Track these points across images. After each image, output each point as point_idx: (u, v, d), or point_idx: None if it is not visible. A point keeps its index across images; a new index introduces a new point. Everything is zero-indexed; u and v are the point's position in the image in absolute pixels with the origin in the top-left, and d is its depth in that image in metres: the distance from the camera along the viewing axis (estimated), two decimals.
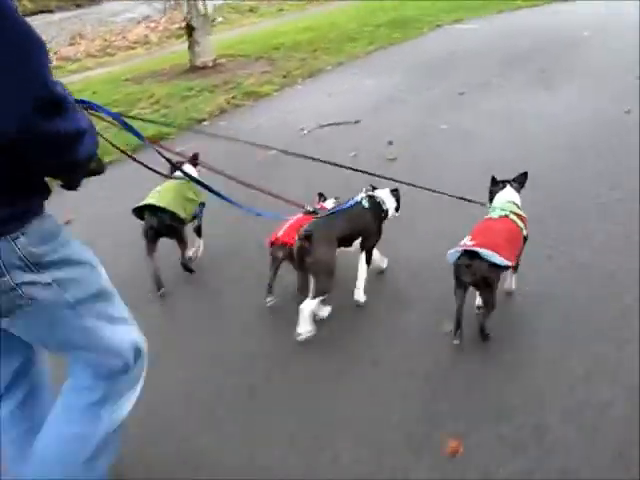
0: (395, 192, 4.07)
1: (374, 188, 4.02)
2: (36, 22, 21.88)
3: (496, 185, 3.78)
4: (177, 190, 4.16)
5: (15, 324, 1.91)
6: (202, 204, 4.44)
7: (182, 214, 4.10)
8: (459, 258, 3.25)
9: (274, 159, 6.58)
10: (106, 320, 2.11)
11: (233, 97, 9.81)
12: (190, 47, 11.54)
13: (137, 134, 2.69)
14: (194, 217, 4.41)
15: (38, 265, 1.80)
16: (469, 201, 3.77)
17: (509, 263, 3.28)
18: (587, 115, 7.69)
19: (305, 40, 14.15)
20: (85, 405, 2.21)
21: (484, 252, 3.16)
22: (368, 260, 3.90)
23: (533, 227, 3.80)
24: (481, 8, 17.02)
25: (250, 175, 3.93)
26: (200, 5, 11.21)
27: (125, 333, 2.23)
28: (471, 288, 3.39)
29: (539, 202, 4.97)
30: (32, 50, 1.51)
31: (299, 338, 3.53)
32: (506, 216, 3.50)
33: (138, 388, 2.39)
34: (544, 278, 4.12)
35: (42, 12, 25.95)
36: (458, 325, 3.36)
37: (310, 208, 3.87)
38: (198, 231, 4.62)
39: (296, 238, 3.52)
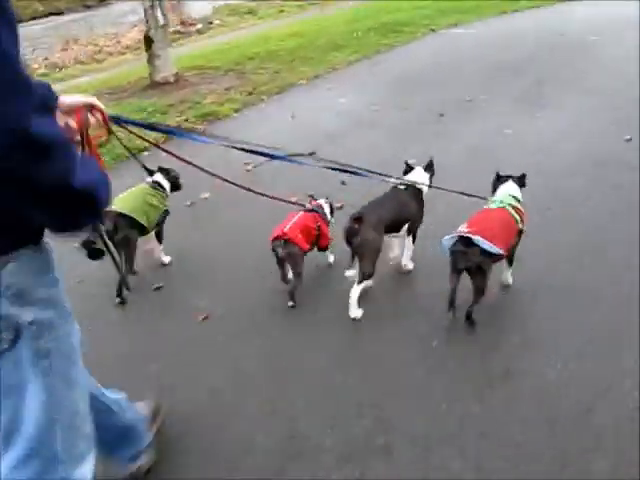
0: (430, 167, 4.29)
1: (408, 169, 4.26)
2: (47, 24, 21.17)
3: (499, 180, 3.96)
4: (141, 196, 4.27)
5: None
6: (166, 212, 4.57)
7: (143, 221, 4.19)
8: (455, 245, 3.42)
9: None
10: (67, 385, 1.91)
11: (186, 119, 8.75)
12: (149, 61, 10.43)
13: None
14: (157, 225, 4.52)
15: (22, 298, 1.70)
16: (470, 195, 3.93)
17: (501, 251, 3.40)
18: (580, 146, 6.50)
19: (287, 48, 13.09)
20: None
21: (478, 239, 3.33)
22: (414, 240, 4.22)
23: None
24: (482, 9, 15.80)
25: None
26: (159, 15, 10.04)
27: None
28: None
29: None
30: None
31: (352, 317, 3.81)
32: (503, 207, 3.66)
33: None
34: None
35: (52, 14, 25.33)
36: (451, 304, 3.57)
37: (310, 206, 4.17)
38: (158, 236, 4.68)
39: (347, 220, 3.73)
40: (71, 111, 1.97)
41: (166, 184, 4.61)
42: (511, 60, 10.54)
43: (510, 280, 3.96)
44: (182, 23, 21.27)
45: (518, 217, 3.67)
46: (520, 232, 3.73)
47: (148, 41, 10.25)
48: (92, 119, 2.08)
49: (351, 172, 3.54)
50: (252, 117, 8.76)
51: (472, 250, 3.34)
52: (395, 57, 11.88)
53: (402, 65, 10.98)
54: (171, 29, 20.95)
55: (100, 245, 2.07)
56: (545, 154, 6.37)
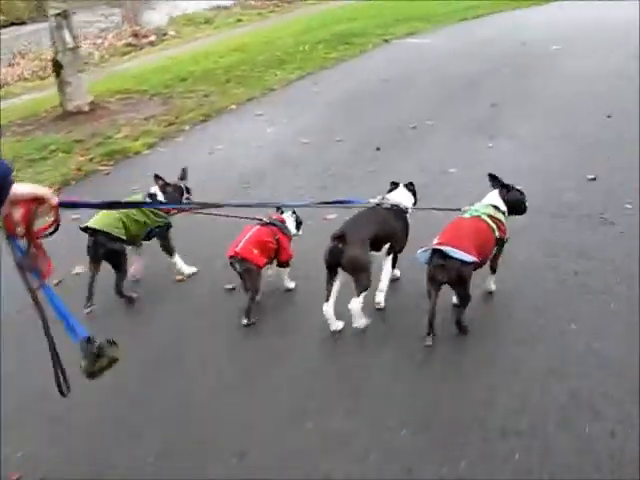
0: (410, 185, 4.16)
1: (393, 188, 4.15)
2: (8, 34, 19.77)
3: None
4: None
5: None
6: (164, 225, 4.44)
7: (118, 233, 4.12)
8: (432, 259, 3.43)
9: None
10: None
11: (91, 159, 7.58)
12: (60, 88, 9.22)
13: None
14: (147, 237, 4.42)
15: None
16: (443, 210, 4.00)
17: (473, 259, 3.38)
18: (535, 190, 5.37)
19: (225, 65, 12.00)
20: None
21: (449, 250, 3.35)
22: (394, 264, 4.05)
23: None
24: (441, 16, 14.77)
25: None
26: (67, 36, 8.84)
27: None
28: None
29: None
30: None
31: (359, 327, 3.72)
32: (477, 216, 3.66)
33: None
34: None
35: (14, 24, 23.88)
36: (430, 326, 3.52)
37: (266, 219, 4.07)
38: (166, 249, 4.55)
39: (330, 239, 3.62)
40: (20, 201, 1.83)
41: (160, 196, 4.38)
42: (465, 75, 9.50)
43: (493, 287, 3.98)
44: (135, 35, 20.10)
45: (494, 225, 3.65)
46: (500, 241, 3.71)
47: (57, 66, 9.04)
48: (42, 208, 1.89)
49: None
50: (165, 154, 7.62)
51: (450, 262, 3.37)
52: (340, 73, 10.82)
53: (346, 83, 9.91)
54: (122, 42, 19.88)
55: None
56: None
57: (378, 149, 6.88)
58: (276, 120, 8.40)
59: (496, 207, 3.78)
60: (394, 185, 4.17)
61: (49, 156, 7.89)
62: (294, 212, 4.31)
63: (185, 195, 4.48)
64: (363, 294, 3.66)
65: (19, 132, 9.23)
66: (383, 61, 11.32)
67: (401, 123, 7.64)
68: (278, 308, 4.19)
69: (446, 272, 3.40)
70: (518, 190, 3.93)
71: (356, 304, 3.67)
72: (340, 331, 3.79)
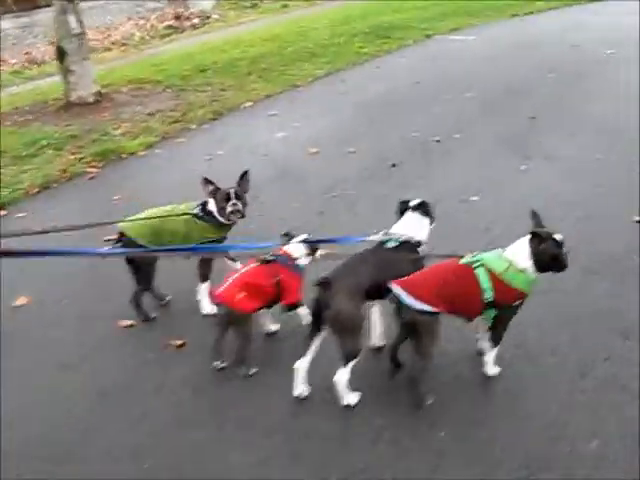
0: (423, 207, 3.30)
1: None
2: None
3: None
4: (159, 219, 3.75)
5: None
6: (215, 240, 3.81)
7: (143, 242, 3.68)
8: (392, 297, 2.94)
9: None
10: None
11: (81, 159, 6.91)
12: (64, 77, 8.54)
13: None
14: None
15: None
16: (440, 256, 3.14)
17: (427, 307, 2.83)
18: (569, 233, 4.41)
19: (251, 56, 11.27)
20: None
21: (398, 291, 2.89)
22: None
23: None
24: (494, 10, 13.73)
25: None
26: (72, 21, 8.14)
27: None
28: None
29: None
30: None
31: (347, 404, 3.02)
32: (469, 265, 2.94)
33: None
34: None
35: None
36: (391, 360, 3.16)
37: (268, 257, 3.36)
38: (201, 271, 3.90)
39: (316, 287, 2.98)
40: None
41: (212, 204, 3.80)
42: (506, 80, 8.54)
43: (490, 370, 3.16)
44: (177, 17, 19.47)
45: (488, 285, 2.89)
46: (496, 304, 2.92)
47: (60, 53, 8.35)
48: None
49: None
50: (161, 157, 6.91)
51: (405, 306, 2.86)
52: (371, 71, 9.94)
53: (374, 83, 9.01)
54: (164, 23, 19.28)
55: None
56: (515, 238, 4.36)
57: (394, 165, 6.02)
58: (289, 122, 7.59)
59: (513, 263, 2.93)
60: (403, 205, 3.35)
61: (37, 153, 7.27)
62: (305, 239, 3.54)
63: (231, 201, 3.75)
64: (351, 363, 2.94)
65: (18, 122, 8.67)
66: (419, 60, 10.38)
67: (425, 135, 6.74)
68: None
69: (400, 315, 2.92)
70: (555, 240, 2.94)
71: (342, 376, 2.96)
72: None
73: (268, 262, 3.37)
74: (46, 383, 3.45)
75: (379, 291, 3.06)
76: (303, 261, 3.49)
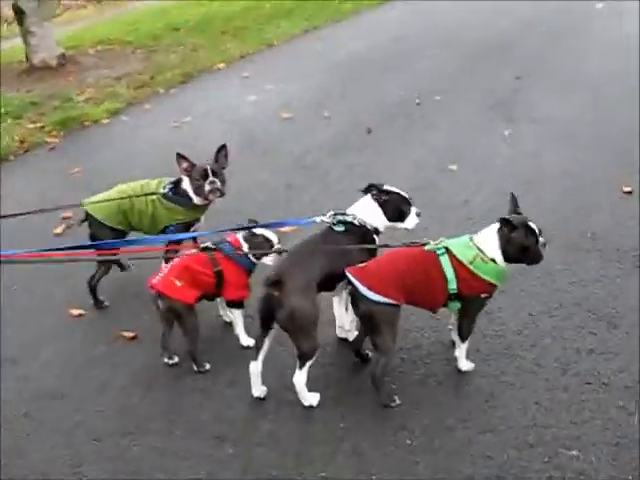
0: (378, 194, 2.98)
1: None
2: None
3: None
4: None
5: None
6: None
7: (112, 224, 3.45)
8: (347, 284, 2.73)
9: None
10: None
11: (41, 127, 6.52)
12: (24, 39, 8.08)
13: None
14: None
15: None
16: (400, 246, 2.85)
17: (382, 299, 2.61)
18: (553, 204, 4.18)
19: (227, 13, 10.76)
20: None
21: (352, 278, 2.67)
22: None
23: None
24: None
25: None
26: None
27: None
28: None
29: None
30: None
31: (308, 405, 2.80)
32: (432, 252, 2.70)
33: None
34: None
35: None
36: (356, 355, 2.99)
37: (210, 244, 3.08)
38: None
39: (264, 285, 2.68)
40: None
41: (186, 183, 3.45)
42: (493, 35, 8.22)
43: (463, 365, 2.91)
44: None
45: (451, 275, 2.65)
46: (456, 296, 2.69)
47: (18, 13, 7.87)
48: None
49: None
50: (126, 125, 6.55)
51: (359, 295, 2.65)
52: (351, 29, 9.56)
53: (354, 42, 8.61)
54: None
55: None
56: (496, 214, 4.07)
57: (369, 132, 5.64)
58: (262, 85, 7.20)
59: (481, 252, 2.65)
60: (369, 190, 3.01)
61: None
62: (251, 229, 3.15)
63: (209, 179, 3.38)
64: (309, 363, 2.72)
65: None
66: (405, 13, 9.94)
67: (405, 97, 6.39)
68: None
69: (354, 304, 2.74)
70: (529, 229, 2.63)
71: (300, 378, 2.76)
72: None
73: (209, 250, 3.08)
74: None
75: (332, 282, 2.87)
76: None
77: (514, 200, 2.76)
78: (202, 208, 3.54)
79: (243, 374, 2.88)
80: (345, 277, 2.74)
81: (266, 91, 7.02)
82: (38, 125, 6.68)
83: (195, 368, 3.09)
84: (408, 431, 2.61)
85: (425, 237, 2.81)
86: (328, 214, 2.97)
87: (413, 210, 3.01)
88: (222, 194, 3.44)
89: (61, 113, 6.87)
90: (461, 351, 2.91)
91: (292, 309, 2.65)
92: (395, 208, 2.99)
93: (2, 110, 7.07)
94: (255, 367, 2.84)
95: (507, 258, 2.66)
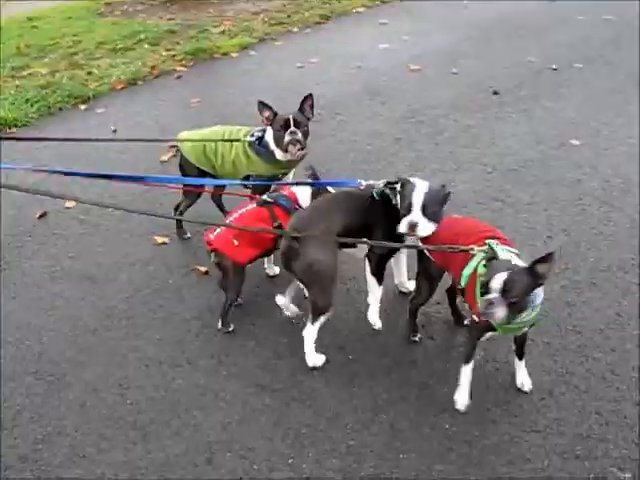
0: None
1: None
2: None
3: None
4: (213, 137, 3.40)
5: None
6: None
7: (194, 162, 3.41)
8: None
9: None
10: None
11: (174, 56, 6.64)
12: None
13: None
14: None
15: None
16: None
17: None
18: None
19: None
20: None
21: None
22: (375, 271, 2.83)
23: None
24: None
25: None
26: None
27: None
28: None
29: None
30: None
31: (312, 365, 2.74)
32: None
33: None
34: None
35: None
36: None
37: (268, 197, 3.02)
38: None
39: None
40: None
41: (269, 133, 3.25)
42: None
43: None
44: None
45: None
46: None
47: None
48: None
49: None
50: (252, 61, 6.58)
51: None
52: None
53: (503, 2, 7.92)
54: None
55: None
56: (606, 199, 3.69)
57: (495, 93, 5.29)
58: (398, 34, 6.95)
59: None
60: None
61: (133, 47, 7.15)
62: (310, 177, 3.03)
63: (290, 129, 3.17)
64: (320, 321, 2.67)
65: (127, 12, 8.48)
66: None
67: (543, 61, 5.91)
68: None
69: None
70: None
71: (309, 332, 2.71)
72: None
73: (265, 204, 2.99)
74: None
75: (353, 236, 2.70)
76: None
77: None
78: (284, 165, 3.33)
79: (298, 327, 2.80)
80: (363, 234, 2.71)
81: (400, 41, 6.77)
82: (171, 53, 6.83)
83: (219, 325, 3.03)
84: (450, 415, 2.43)
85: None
86: (381, 181, 2.78)
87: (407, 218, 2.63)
88: (302, 147, 3.19)
89: (195, 43, 7.00)
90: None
91: (309, 262, 2.61)
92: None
93: (142, 36, 7.27)
94: (280, 298, 2.84)
95: None
